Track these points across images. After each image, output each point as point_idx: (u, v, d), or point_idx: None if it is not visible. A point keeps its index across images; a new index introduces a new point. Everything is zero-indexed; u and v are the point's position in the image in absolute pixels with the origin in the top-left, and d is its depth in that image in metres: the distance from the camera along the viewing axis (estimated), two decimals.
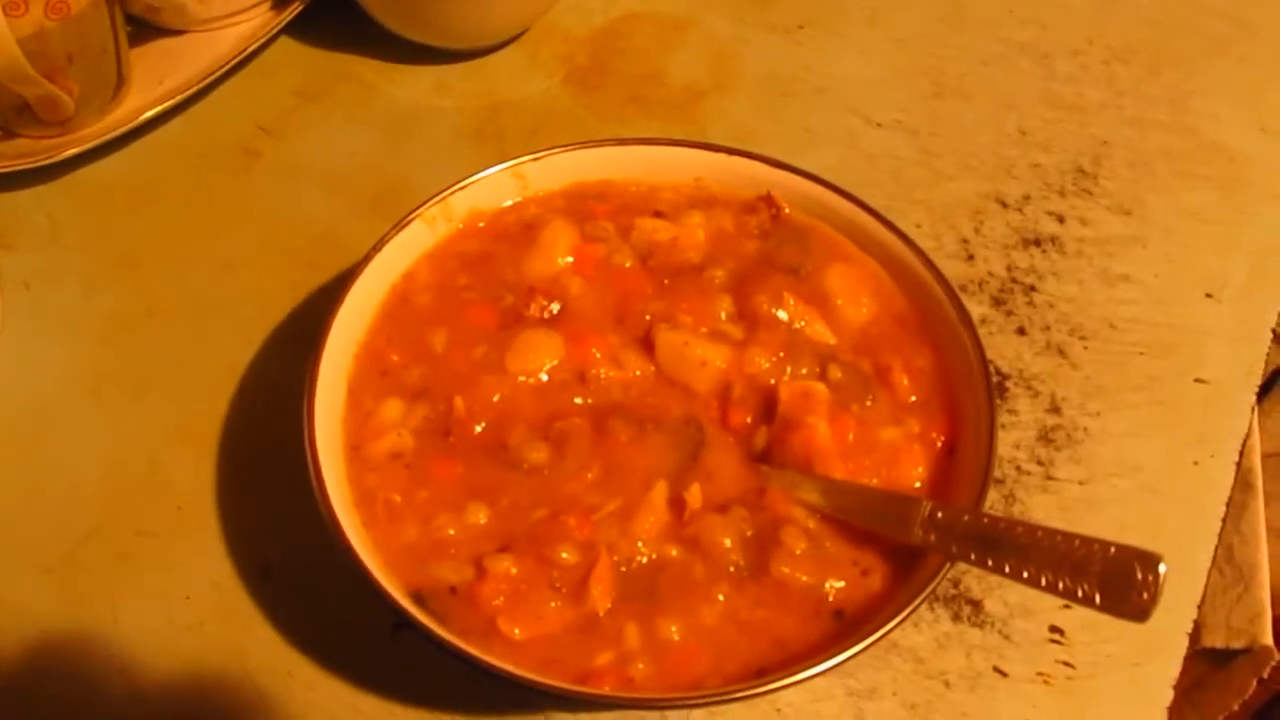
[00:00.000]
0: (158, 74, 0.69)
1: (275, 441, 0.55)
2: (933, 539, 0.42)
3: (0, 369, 0.58)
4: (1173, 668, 0.51)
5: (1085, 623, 0.51)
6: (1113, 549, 0.38)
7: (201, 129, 0.69)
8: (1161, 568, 0.37)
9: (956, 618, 0.51)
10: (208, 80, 0.67)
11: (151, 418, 0.57)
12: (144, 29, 0.70)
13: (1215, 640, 0.67)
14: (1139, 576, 0.37)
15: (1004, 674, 0.50)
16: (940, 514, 0.42)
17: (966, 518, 0.42)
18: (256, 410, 0.57)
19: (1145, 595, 0.37)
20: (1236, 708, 0.70)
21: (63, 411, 0.57)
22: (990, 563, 0.40)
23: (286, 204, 0.65)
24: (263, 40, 0.69)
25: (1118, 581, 0.38)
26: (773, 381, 0.48)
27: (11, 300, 0.61)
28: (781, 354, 0.49)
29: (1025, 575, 0.40)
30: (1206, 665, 0.70)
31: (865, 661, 0.49)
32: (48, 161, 0.63)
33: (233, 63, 0.68)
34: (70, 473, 0.55)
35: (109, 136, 0.65)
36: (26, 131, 0.66)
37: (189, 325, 0.60)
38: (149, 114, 0.66)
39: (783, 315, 0.50)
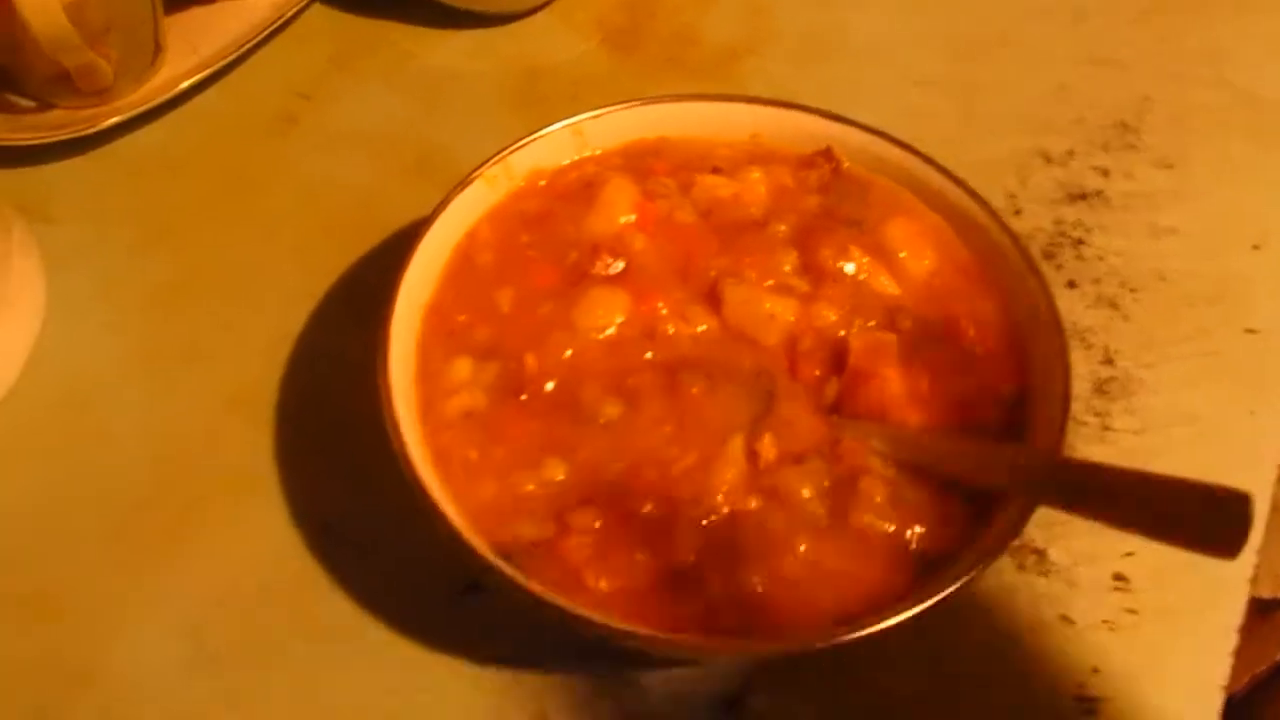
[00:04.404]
0: (192, 42, 0.68)
1: (329, 405, 0.55)
2: (1017, 484, 0.42)
3: (48, 341, 0.58)
4: (1236, 614, 0.51)
5: (1149, 570, 0.51)
6: (1201, 488, 0.38)
7: (238, 97, 0.68)
8: (1253, 503, 0.37)
9: (1021, 567, 0.51)
10: (243, 48, 0.67)
11: (203, 386, 0.56)
12: None
13: (1262, 590, 0.68)
14: (1230, 512, 0.37)
15: (1071, 621, 0.50)
16: (1023, 459, 0.42)
17: (1050, 462, 0.42)
18: (308, 375, 0.56)
19: (1237, 531, 0.37)
20: None
21: (113, 382, 0.57)
22: (1077, 506, 0.41)
23: (327, 170, 0.65)
24: (298, 7, 0.69)
25: (1209, 520, 0.38)
26: (842, 333, 0.48)
27: (56, 272, 0.60)
28: (849, 306, 0.49)
29: (1113, 517, 0.40)
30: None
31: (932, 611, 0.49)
32: (88, 131, 0.62)
33: (268, 30, 0.68)
34: (124, 442, 0.55)
35: (148, 106, 0.64)
36: (63, 102, 0.65)
37: (235, 293, 0.60)
38: (187, 83, 0.65)
39: (848, 268, 0.49)
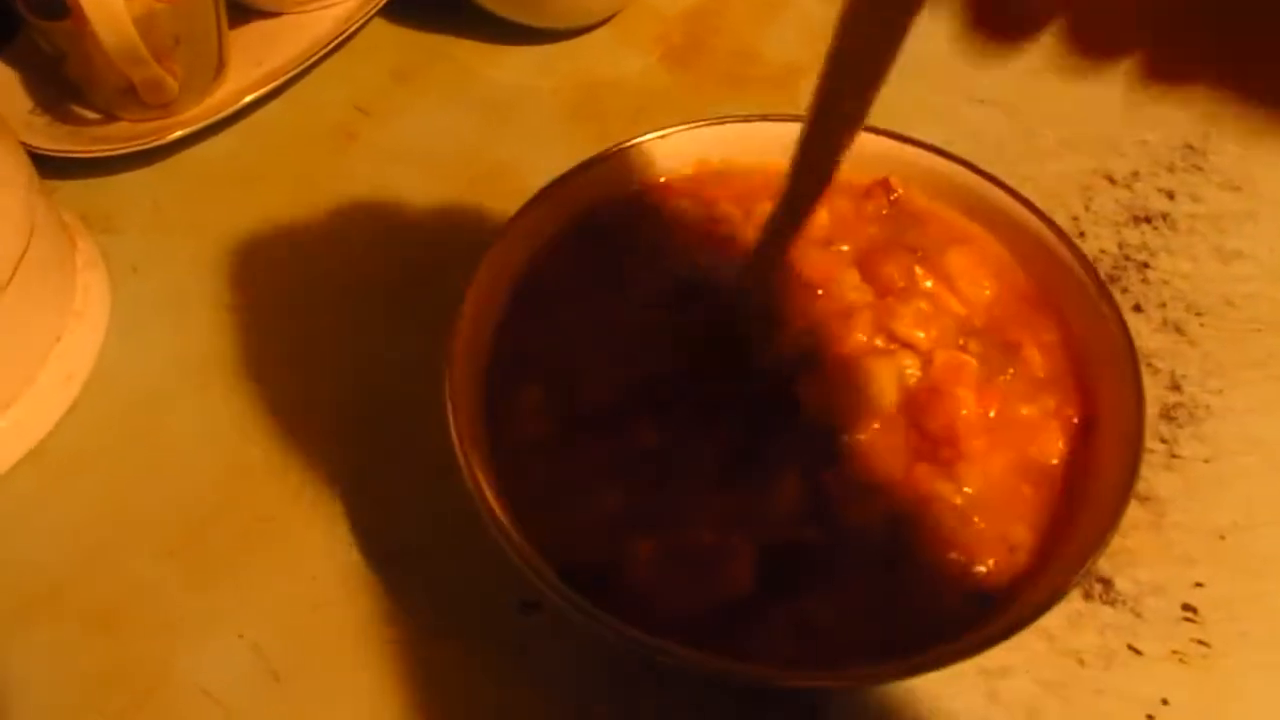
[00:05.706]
0: (255, 56, 0.69)
1: (392, 418, 0.55)
2: None
3: (111, 352, 0.58)
4: None
5: (1219, 601, 0.50)
6: None
7: (299, 110, 0.69)
8: None
9: (1088, 596, 0.51)
10: (306, 63, 0.67)
11: (267, 399, 0.57)
12: (241, 11, 0.70)
13: None
14: None
15: (1138, 652, 0.49)
16: None
17: None
18: (372, 391, 0.57)
19: None
20: None
21: (176, 394, 0.57)
22: None
23: (389, 183, 0.65)
24: (360, 22, 0.69)
25: None
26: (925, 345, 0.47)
27: (120, 283, 0.61)
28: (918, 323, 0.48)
29: None
30: None
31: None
32: (155, 144, 0.63)
33: (330, 45, 0.68)
34: (188, 455, 0.55)
35: (212, 119, 0.65)
36: (128, 115, 0.66)
37: (298, 306, 0.60)
38: (250, 97, 0.66)
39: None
